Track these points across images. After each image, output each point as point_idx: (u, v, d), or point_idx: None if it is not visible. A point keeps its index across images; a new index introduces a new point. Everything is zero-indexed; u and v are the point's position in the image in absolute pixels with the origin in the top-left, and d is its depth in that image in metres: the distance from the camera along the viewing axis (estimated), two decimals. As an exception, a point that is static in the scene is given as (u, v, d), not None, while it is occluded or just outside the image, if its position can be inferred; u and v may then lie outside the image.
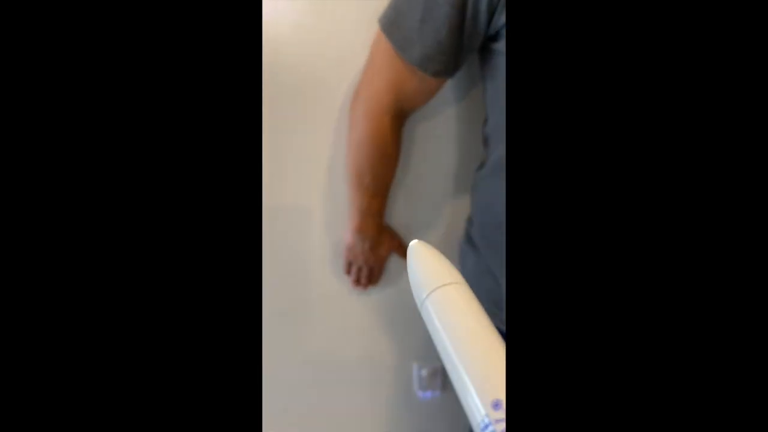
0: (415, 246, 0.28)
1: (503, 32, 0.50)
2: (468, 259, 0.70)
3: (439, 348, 0.25)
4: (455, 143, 0.74)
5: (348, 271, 0.84)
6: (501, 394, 0.21)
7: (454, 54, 0.52)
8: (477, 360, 0.23)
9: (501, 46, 0.51)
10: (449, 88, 0.68)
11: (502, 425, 0.21)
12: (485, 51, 0.55)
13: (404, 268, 0.85)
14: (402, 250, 0.83)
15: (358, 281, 0.84)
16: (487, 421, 0.21)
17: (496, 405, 0.21)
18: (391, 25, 0.53)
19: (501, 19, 0.48)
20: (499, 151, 0.59)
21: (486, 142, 0.63)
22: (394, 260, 0.85)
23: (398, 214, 0.80)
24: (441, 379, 0.98)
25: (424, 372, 0.97)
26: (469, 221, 0.71)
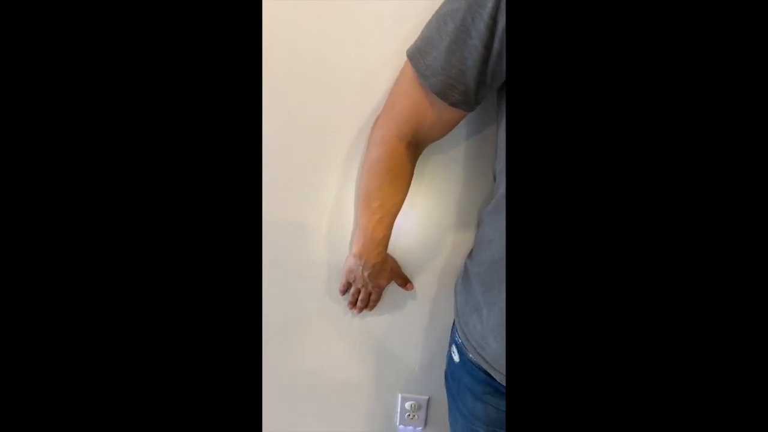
0: None
1: None
2: (460, 296, 0.72)
3: None
4: (462, 179, 0.77)
5: (344, 292, 0.85)
6: None
7: (475, 88, 0.54)
8: None
9: None
10: (461, 125, 0.71)
11: None
12: (502, 90, 0.58)
13: (401, 296, 0.86)
14: (402, 281, 0.84)
15: (354, 304, 0.85)
16: None
17: None
18: (418, 53, 0.55)
19: None
20: (501, 189, 0.61)
21: (495, 178, 0.65)
22: (391, 287, 0.86)
23: (401, 244, 0.82)
24: (425, 413, 0.97)
25: (408, 405, 0.96)
26: (470, 256, 0.73)
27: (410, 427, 0.98)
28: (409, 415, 0.97)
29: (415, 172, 0.69)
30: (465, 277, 0.71)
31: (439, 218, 0.79)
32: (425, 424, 0.98)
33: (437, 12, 0.55)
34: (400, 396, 0.97)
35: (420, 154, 0.68)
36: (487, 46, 0.50)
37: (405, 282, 0.84)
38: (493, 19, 0.49)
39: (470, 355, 0.68)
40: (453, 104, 0.56)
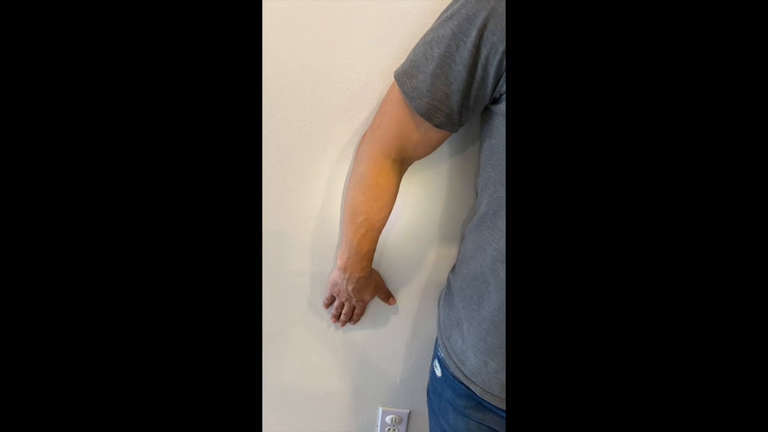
0: None
1: (504, 98, 0.54)
2: (443, 310, 0.73)
3: None
4: (445, 196, 0.78)
5: (328, 305, 0.85)
6: None
7: (458, 111, 0.57)
8: None
9: (501, 109, 0.55)
10: (445, 144, 0.72)
11: None
12: (486, 112, 0.60)
13: (384, 310, 0.87)
14: (385, 296, 0.85)
15: (337, 317, 0.86)
16: None
17: None
18: (405, 75, 0.57)
19: (505, 85, 0.53)
20: (485, 205, 0.63)
21: (477, 195, 0.67)
22: (374, 301, 0.86)
23: (386, 258, 0.83)
24: (406, 427, 0.98)
25: (389, 418, 0.97)
26: (452, 271, 0.74)
27: (390, 441, 0.99)
28: (389, 428, 0.98)
29: (400, 188, 0.70)
30: (448, 292, 0.72)
31: (423, 233, 0.81)
32: (405, 438, 0.99)
33: (424, 37, 0.57)
34: (381, 409, 0.97)
35: (405, 170, 0.69)
36: (471, 73, 0.53)
37: (388, 296, 0.85)
38: (477, 48, 0.51)
39: (452, 370, 0.69)
40: (437, 125, 0.58)
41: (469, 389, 0.67)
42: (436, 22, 0.56)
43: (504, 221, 0.59)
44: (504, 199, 0.59)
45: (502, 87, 0.53)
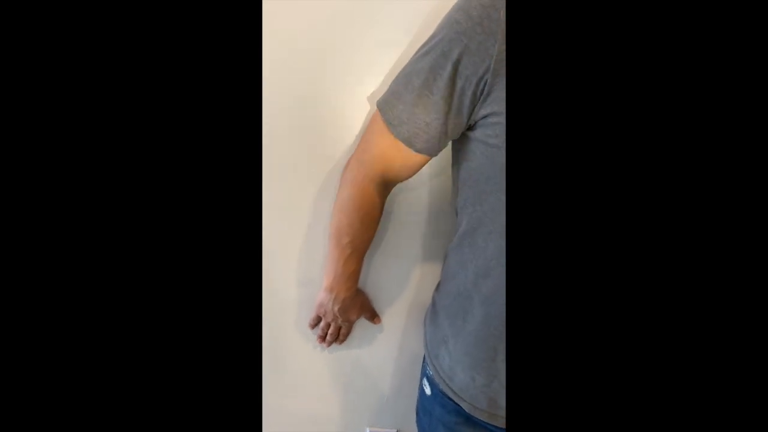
0: None
1: (479, 124, 0.58)
2: (429, 328, 0.74)
3: None
4: (428, 216, 0.81)
5: (314, 326, 0.86)
6: None
7: (438, 137, 0.60)
8: None
9: (476, 134, 0.60)
10: (426, 166, 0.75)
11: None
12: (462, 137, 0.64)
13: (370, 330, 0.88)
14: (371, 315, 0.86)
15: (323, 338, 0.87)
16: None
17: None
18: (386, 105, 0.61)
19: (480, 112, 0.57)
20: (464, 224, 0.66)
21: (456, 214, 0.70)
22: (361, 322, 0.88)
23: (371, 278, 0.84)
24: (393, 446, 0.98)
25: (377, 438, 0.97)
26: (437, 289, 0.76)
27: (378, 462, 0.99)
28: (377, 448, 0.98)
29: (384, 209, 0.73)
30: (433, 310, 0.74)
31: (407, 253, 0.83)
32: (393, 458, 0.99)
33: (403, 69, 0.61)
34: (368, 429, 0.97)
35: (388, 193, 0.72)
36: (448, 103, 0.57)
37: (374, 316, 0.87)
38: (452, 80, 0.56)
39: (441, 387, 0.70)
40: (418, 151, 0.61)
41: (459, 405, 0.68)
42: (414, 55, 0.60)
43: (483, 239, 0.62)
44: (482, 217, 0.62)
45: (477, 114, 0.57)
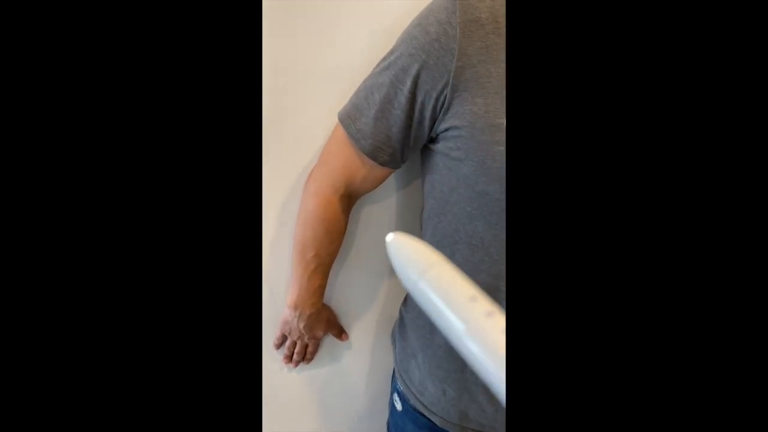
0: (395, 237, 0.30)
1: (440, 137, 0.59)
2: (398, 343, 0.74)
3: (442, 324, 0.26)
4: (394, 228, 0.80)
5: (279, 346, 0.84)
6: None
7: (400, 149, 0.61)
8: (481, 324, 0.24)
9: (438, 147, 0.60)
10: (391, 178, 0.75)
11: None
12: (426, 150, 0.64)
13: (338, 347, 0.86)
14: (338, 331, 0.84)
15: (290, 357, 0.84)
16: None
17: None
18: (348, 118, 0.61)
19: (441, 126, 0.58)
20: (429, 236, 0.65)
21: (421, 226, 0.69)
22: (328, 339, 0.86)
23: (337, 293, 0.83)
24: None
25: (349, 458, 0.95)
26: (404, 303, 0.75)
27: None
28: (349, 469, 0.95)
29: (348, 222, 0.71)
30: (401, 324, 0.73)
31: (374, 267, 0.82)
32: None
33: (364, 83, 0.62)
34: (340, 450, 0.95)
35: (353, 205, 0.71)
36: (409, 116, 0.58)
37: (341, 332, 0.85)
38: (413, 94, 0.57)
39: (412, 402, 0.69)
40: (382, 164, 0.62)
41: (430, 420, 0.67)
42: (374, 69, 0.61)
43: (449, 249, 0.61)
44: (446, 228, 0.62)
45: (438, 127, 0.58)
